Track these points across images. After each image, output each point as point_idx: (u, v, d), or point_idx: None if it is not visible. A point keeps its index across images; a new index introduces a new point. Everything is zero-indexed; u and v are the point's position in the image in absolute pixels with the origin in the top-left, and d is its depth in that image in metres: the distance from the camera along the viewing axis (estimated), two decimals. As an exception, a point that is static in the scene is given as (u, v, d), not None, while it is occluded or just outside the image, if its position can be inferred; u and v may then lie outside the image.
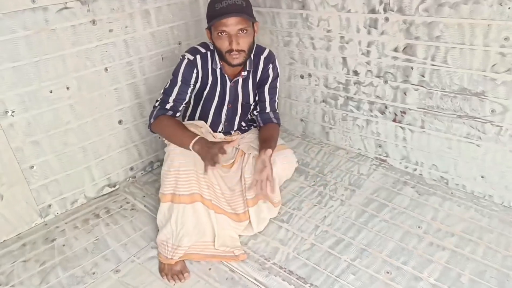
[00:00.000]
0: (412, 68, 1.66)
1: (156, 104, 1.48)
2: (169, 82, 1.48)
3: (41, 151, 1.60)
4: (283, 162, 1.50)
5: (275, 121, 1.60)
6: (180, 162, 1.36)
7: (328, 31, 1.87)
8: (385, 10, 1.64)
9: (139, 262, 1.44)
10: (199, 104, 1.57)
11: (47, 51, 1.51)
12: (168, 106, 1.46)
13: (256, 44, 1.53)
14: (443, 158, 1.73)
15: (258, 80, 1.57)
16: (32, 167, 1.59)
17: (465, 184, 1.70)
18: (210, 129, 1.57)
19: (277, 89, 1.61)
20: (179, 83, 1.46)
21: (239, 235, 1.53)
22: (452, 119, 1.63)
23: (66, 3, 1.51)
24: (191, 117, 1.63)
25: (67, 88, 1.60)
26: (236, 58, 1.37)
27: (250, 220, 1.51)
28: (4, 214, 1.56)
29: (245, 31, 1.35)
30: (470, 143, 1.61)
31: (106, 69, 1.70)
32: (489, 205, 1.62)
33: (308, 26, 1.94)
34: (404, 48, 1.65)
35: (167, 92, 1.47)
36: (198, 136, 1.35)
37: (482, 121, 1.55)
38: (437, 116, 1.66)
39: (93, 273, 1.40)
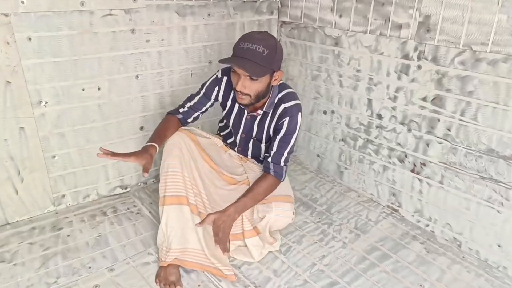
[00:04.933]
0: (438, 120, 1.52)
1: (179, 104, 1.52)
2: (197, 90, 1.51)
3: (65, 143, 1.61)
4: (278, 214, 1.43)
5: (272, 173, 1.45)
6: (169, 163, 1.33)
7: (358, 70, 1.77)
8: (419, 58, 1.52)
9: (133, 265, 1.40)
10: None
11: (87, 51, 1.53)
12: (181, 110, 1.49)
13: (291, 92, 1.44)
14: (459, 219, 1.55)
15: (274, 126, 1.46)
16: (54, 157, 1.60)
17: (479, 250, 1.52)
18: (222, 145, 1.58)
19: (290, 145, 1.43)
20: (201, 94, 1.49)
21: (234, 257, 1.45)
22: (474, 179, 1.46)
23: (111, 10, 1.53)
24: (225, 128, 1.63)
25: (98, 89, 1.61)
26: (241, 99, 1.33)
27: (247, 248, 1.44)
28: (22, 196, 1.57)
29: (255, 78, 1.28)
30: (491, 207, 1.44)
31: (137, 76, 1.70)
32: (502, 277, 1.43)
33: (338, 63, 1.85)
34: (433, 98, 1.51)
35: (190, 98, 1.51)
36: (152, 144, 1.32)
37: (507, 187, 1.37)
38: (459, 173, 1.50)
39: (89, 267, 1.38)
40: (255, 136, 1.52)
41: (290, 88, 1.47)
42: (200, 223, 1.32)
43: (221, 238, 1.30)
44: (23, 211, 1.60)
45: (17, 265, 1.37)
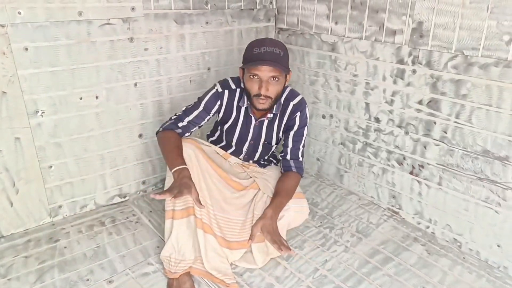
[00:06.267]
0: (434, 123, 1.63)
1: (172, 117, 1.54)
2: (193, 103, 1.55)
3: (62, 153, 1.66)
4: (297, 211, 1.51)
5: (294, 170, 1.56)
6: None
7: (355, 75, 1.88)
8: (413, 63, 1.64)
9: (133, 276, 1.44)
10: (224, 133, 1.62)
11: (84, 60, 1.60)
12: (180, 125, 1.51)
13: (291, 89, 1.58)
14: (458, 220, 1.65)
15: (284, 124, 1.58)
16: (50, 167, 1.65)
17: (479, 250, 1.61)
18: (223, 153, 1.63)
19: (303, 138, 1.59)
20: (200, 108, 1.52)
21: (236, 265, 1.51)
22: (471, 180, 1.56)
23: (109, 19, 1.61)
24: (217, 142, 1.68)
25: (96, 97, 1.67)
26: (262, 104, 1.41)
27: (252, 254, 1.50)
28: (17, 208, 1.61)
29: (276, 79, 1.38)
30: (489, 208, 1.54)
31: (135, 84, 1.77)
32: (503, 277, 1.52)
33: (335, 68, 1.96)
34: (429, 102, 1.63)
35: (186, 112, 1.53)
36: (183, 166, 1.35)
37: (503, 187, 1.48)
38: (456, 175, 1.61)
39: (87, 280, 1.41)
40: (265, 140, 1.60)
41: (287, 86, 1.59)
42: (249, 239, 1.37)
43: (277, 240, 1.33)
44: (18, 223, 1.63)
45: (11, 279, 1.39)
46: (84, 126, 1.68)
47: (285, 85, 1.49)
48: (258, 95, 1.39)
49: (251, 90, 1.41)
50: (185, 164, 1.36)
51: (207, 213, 1.43)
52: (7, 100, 1.47)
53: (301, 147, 1.59)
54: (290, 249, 1.30)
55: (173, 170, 1.33)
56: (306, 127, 1.58)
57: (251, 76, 1.39)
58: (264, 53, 1.35)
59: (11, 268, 1.45)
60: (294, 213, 1.50)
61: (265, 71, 1.35)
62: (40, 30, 1.47)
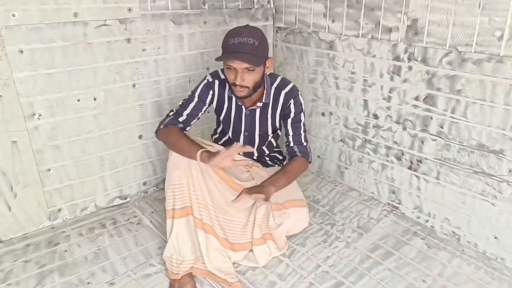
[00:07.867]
0: (431, 118, 1.75)
1: (170, 114, 1.63)
2: (187, 97, 1.65)
3: (60, 155, 1.74)
4: (296, 218, 1.64)
5: (299, 154, 1.67)
6: (175, 176, 1.47)
7: (353, 73, 2.01)
8: (409, 59, 1.77)
9: (134, 277, 1.51)
10: (222, 125, 1.72)
11: (81, 62, 1.68)
12: (180, 119, 1.61)
13: (282, 78, 1.68)
14: (456, 213, 1.78)
15: (279, 113, 1.68)
16: (49, 170, 1.72)
17: (477, 243, 1.74)
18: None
19: (302, 123, 1.69)
20: (195, 99, 1.63)
21: (238, 263, 1.60)
22: (468, 174, 1.69)
23: (105, 20, 1.69)
24: (221, 137, 1.78)
25: (94, 99, 1.76)
26: (240, 92, 1.52)
27: (253, 254, 1.59)
28: (15, 212, 1.68)
29: (251, 69, 1.47)
30: (485, 200, 1.66)
31: (134, 85, 1.86)
32: (501, 268, 1.63)
33: (333, 66, 2.09)
34: (425, 97, 1.75)
35: (183, 106, 1.63)
36: (204, 149, 1.45)
37: (499, 180, 1.59)
38: (453, 169, 1.74)
39: (88, 283, 1.48)
40: (260, 130, 1.71)
41: (279, 75, 1.70)
42: (236, 199, 1.47)
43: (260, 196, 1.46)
44: (17, 228, 1.71)
45: (11, 285, 1.46)
46: (82, 128, 1.76)
47: (265, 72, 1.57)
48: (235, 84, 1.49)
49: (229, 79, 1.52)
50: (203, 146, 1.45)
51: (207, 214, 1.50)
52: (2, 104, 1.54)
53: (302, 132, 1.70)
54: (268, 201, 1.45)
55: (199, 153, 1.41)
56: (302, 113, 1.69)
57: (227, 67, 1.49)
58: (238, 44, 1.43)
59: (10, 273, 1.52)
60: (293, 221, 1.63)
61: (238, 63, 1.44)
62: (35, 32, 1.54)
